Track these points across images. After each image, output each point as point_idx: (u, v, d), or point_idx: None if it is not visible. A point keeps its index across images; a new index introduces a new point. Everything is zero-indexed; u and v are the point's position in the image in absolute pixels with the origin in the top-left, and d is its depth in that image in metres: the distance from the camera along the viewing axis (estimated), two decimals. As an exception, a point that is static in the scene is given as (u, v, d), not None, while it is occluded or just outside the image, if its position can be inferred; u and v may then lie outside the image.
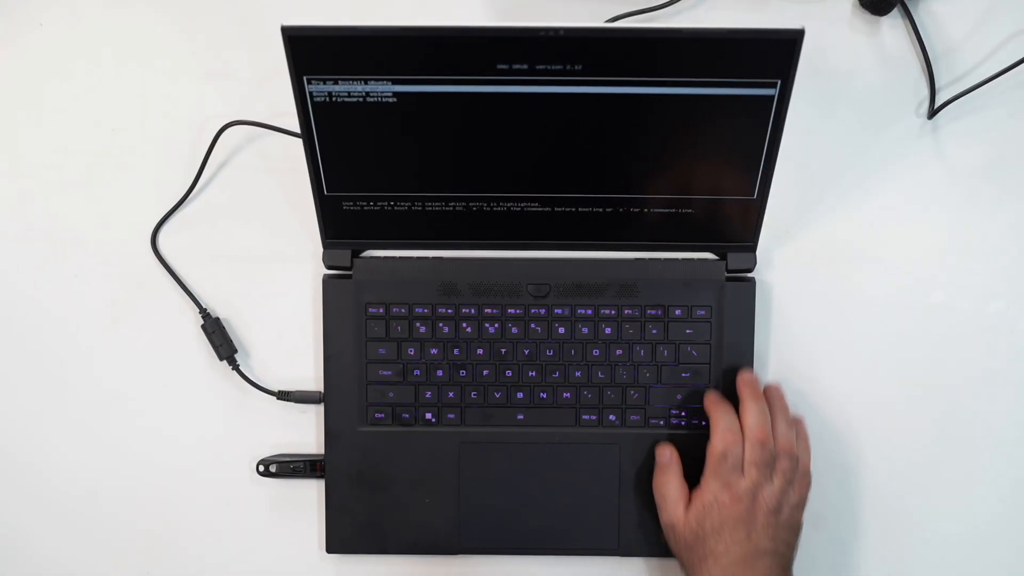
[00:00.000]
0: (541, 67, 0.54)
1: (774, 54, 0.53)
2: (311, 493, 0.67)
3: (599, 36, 0.53)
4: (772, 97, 0.55)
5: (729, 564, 0.56)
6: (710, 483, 0.59)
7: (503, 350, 0.65)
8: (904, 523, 0.67)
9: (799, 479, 0.60)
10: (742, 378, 0.62)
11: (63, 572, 0.68)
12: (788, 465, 0.59)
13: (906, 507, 0.67)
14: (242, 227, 0.67)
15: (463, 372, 0.65)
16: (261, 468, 0.66)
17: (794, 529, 0.59)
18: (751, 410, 0.60)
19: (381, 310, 0.65)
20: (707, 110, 0.56)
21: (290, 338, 0.67)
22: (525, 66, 0.54)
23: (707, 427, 0.64)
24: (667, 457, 0.62)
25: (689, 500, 0.60)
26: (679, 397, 0.65)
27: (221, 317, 0.67)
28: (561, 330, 0.65)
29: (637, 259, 0.65)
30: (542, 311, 0.65)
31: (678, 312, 0.65)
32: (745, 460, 0.58)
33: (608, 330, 0.65)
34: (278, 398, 0.66)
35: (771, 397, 0.62)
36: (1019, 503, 0.67)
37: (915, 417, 0.67)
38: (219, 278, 0.67)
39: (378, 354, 0.65)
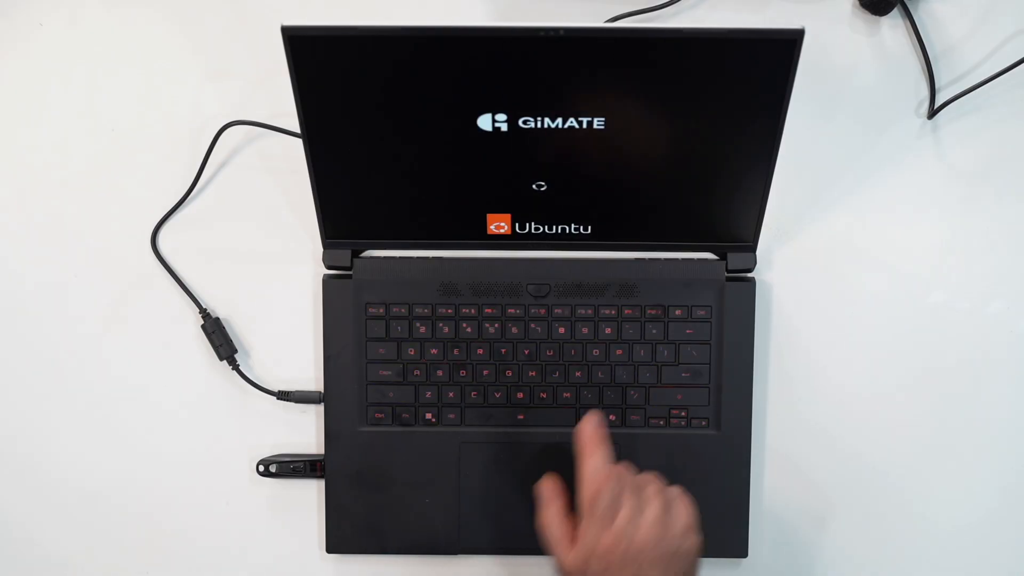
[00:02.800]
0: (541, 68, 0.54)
1: (774, 54, 0.53)
2: (311, 493, 0.67)
3: (599, 36, 0.53)
4: (772, 96, 0.55)
5: None
6: (588, 526, 0.55)
7: (503, 350, 0.65)
8: (904, 522, 0.67)
9: (676, 503, 0.56)
10: (583, 434, 0.58)
11: (63, 571, 0.68)
12: (657, 489, 0.55)
13: (906, 506, 0.67)
14: (242, 227, 0.67)
15: (463, 372, 0.65)
16: (261, 468, 0.66)
17: (688, 556, 0.55)
18: (604, 453, 0.57)
19: (381, 310, 0.65)
20: (707, 109, 0.56)
21: (290, 338, 0.67)
22: (525, 67, 0.54)
23: (707, 427, 0.65)
24: (547, 493, 0.58)
25: (573, 539, 0.56)
26: (679, 397, 0.65)
27: (221, 317, 0.67)
28: (561, 330, 0.65)
29: (637, 259, 0.65)
30: (542, 311, 0.65)
31: (678, 312, 0.65)
32: (615, 499, 0.55)
33: (608, 330, 0.65)
34: (278, 398, 0.66)
35: None
36: (1017, 500, 0.67)
37: (915, 416, 0.67)
38: (219, 278, 0.67)
39: (378, 354, 0.65)
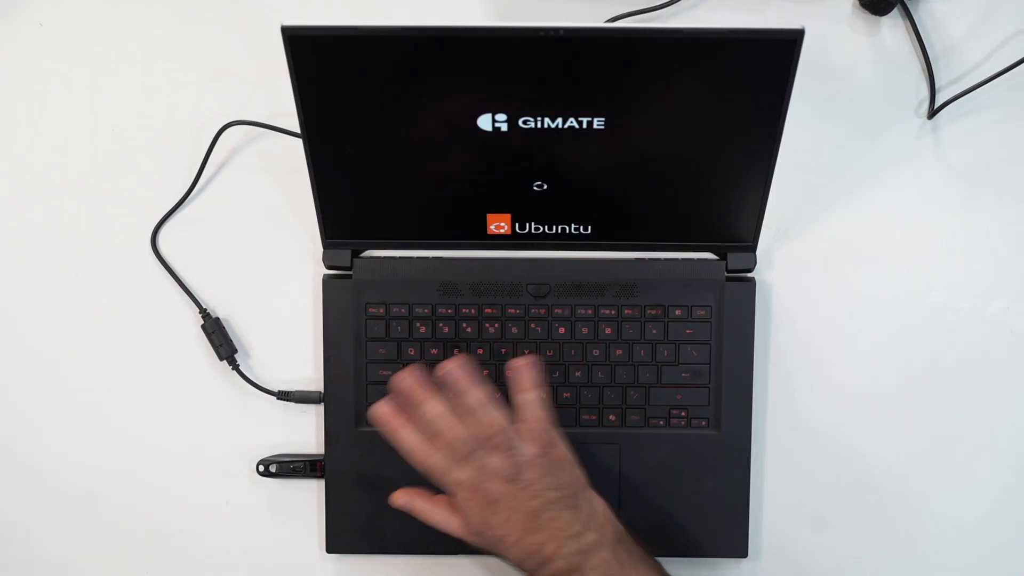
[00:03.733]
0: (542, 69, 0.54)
1: (774, 54, 0.53)
2: (311, 493, 0.67)
3: (599, 36, 0.53)
4: (772, 96, 0.55)
5: (516, 540, 0.54)
6: (451, 494, 0.56)
7: (503, 350, 0.65)
8: (904, 521, 0.67)
9: (520, 419, 0.56)
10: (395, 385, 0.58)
11: (63, 571, 0.68)
12: (486, 431, 0.55)
13: (906, 505, 0.67)
14: (242, 227, 0.67)
15: (463, 372, 0.65)
16: (261, 468, 0.66)
17: (552, 470, 0.55)
18: (421, 415, 0.57)
19: (381, 310, 0.65)
20: (707, 109, 0.56)
21: (290, 338, 0.67)
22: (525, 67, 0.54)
23: (707, 427, 0.65)
24: (402, 501, 0.59)
25: (454, 514, 0.57)
26: (679, 397, 0.65)
27: (221, 317, 0.67)
28: (561, 330, 0.65)
29: (637, 259, 0.65)
30: (542, 311, 0.65)
31: (678, 312, 0.65)
32: (453, 459, 0.55)
33: (608, 330, 0.65)
34: (278, 398, 0.66)
35: (443, 380, 0.57)
36: (1017, 500, 0.67)
37: (914, 416, 0.67)
38: (219, 278, 0.67)
39: (378, 354, 0.65)
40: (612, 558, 0.53)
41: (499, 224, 0.62)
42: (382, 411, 0.58)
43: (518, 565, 0.55)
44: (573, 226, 0.63)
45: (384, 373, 0.65)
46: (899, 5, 0.65)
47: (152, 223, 0.67)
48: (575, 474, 0.56)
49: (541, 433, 0.56)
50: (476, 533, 0.56)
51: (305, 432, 0.67)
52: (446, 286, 0.65)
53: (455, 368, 0.57)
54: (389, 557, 0.66)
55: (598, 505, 0.56)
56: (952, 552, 0.67)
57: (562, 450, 0.56)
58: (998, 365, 0.67)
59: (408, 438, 0.57)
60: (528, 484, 0.54)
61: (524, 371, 0.57)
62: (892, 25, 0.66)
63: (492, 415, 0.56)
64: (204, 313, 0.66)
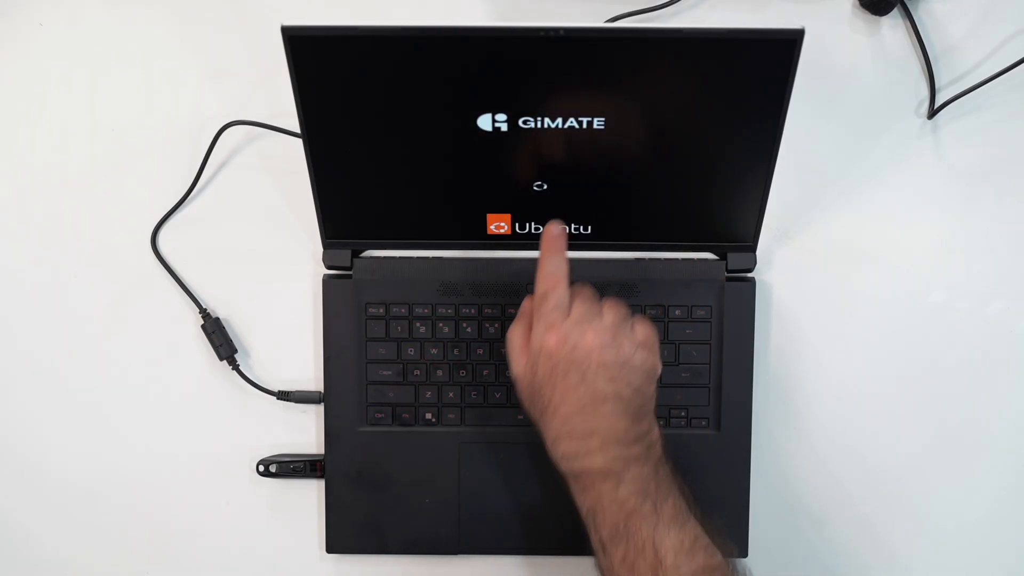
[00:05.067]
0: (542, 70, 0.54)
1: (774, 54, 0.53)
2: (311, 493, 0.67)
3: (599, 36, 0.53)
4: (772, 96, 0.55)
5: (568, 414, 0.52)
6: (537, 328, 0.53)
7: (503, 350, 0.65)
8: (904, 521, 0.67)
9: (635, 320, 0.54)
10: (549, 233, 0.56)
11: (63, 571, 0.68)
12: (615, 303, 0.54)
13: (906, 505, 0.67)
14: (242, 227, 0.67)
15: (463, 372, 0.65)
16: (261, 468, 0.66)
17: (640, 370, 0.53)
18: (564, 259, 0.55)
19: (381, 310, 0.65)
20: (707, 109, 0.56)
21: (290, 338, 0.67)
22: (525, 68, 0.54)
23: (707, 427, 0.65)
24: (523, 309, 0.56)
25: (525, 347, 0.54)
26: (679, 397, 0.65)
27: (221, 317, 0.67)
28: (561, 330, 0.65)
29: (637, 259, 0.65)
30: (542, 311, 0.65)
31: (678, 312, 0.65)
32: (571, 301, 0.53)
33: (608, 330, 0.65)
34: (278, 398, 0.66)
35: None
36: (1017, 500, 0.67)
37: (914, 416, 0.67)
38: (219, 278, 0.67)
39: (378, 354, 0.65)
40: (651, 476, 0.52)
41: (499, 224, 0.62)
42: (562, 227, 0.56)
43: (552, 442, 0.53)
44: (573, 226, 0.62)
45: (384, 373, 0.65)
46: (899, 5, 0.65)
47: (152, 223, 0.67)
48: (652, 391, 0.54)
49: (653, 340, 0.54)
50: (532, 385, 0.53)
51: (305, 432, 0.67)
52: (446, 286, 0.65)
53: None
54: (389, 557, 0.66)
55: (656, 428, 0.54)
56: (952, 552, 0.67)
57: (659, 365, 0.54)
58: (998, 365, 0.67)
59: (550, 260, 0.55)
60: (611, 365, 0.51)
61: None
62: (892, 25, 0.66)
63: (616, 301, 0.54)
64: (204, 313, 0.66)
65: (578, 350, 0.52)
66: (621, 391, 0.52)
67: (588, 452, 0.52)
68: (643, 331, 0.54)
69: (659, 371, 0.55)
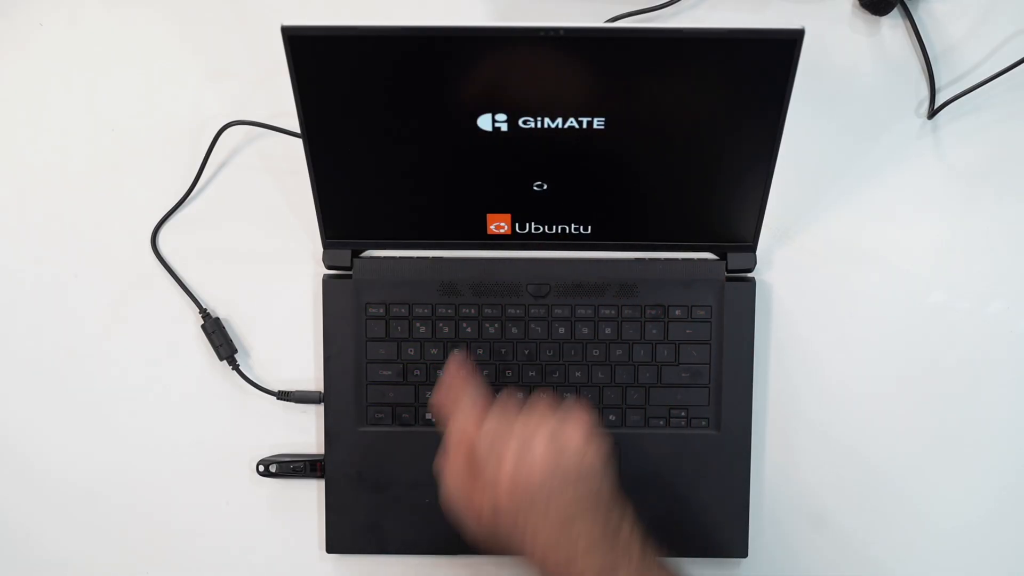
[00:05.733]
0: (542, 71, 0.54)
1: (774, 54, 0.53)
2: (311, 493, 0.67)
3: (599, 36, 0.53)
4: (772, 96, 0.55)
5: (547, 540, 0.50)
6: (480, 485, 0.52)
7: (503, 350, 0.65)
8: (904, 521, 0.67)
9: (562, 425, 0.51)
10: (438, 397, 0.55)
11: (63, 571, 0.68)
12: (536, 419, 0.52)
13: (906, 505, 0.67)
14: (242, 227, 0.67)
15: (463, 372, 0.65)
16: (261, 468, 0.66)
17: (590, 472, 0.51)
18: (465, 405, 0.54)
19: (381, 310, 0.65)
20: (707, 109, 0.56)
21: (290, 338, 0.67)
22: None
23: (707, 427, 0.65)
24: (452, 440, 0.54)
25: (473, 503, 0.53)
26: (679, 397, 0.65)
27: (221, 317, 0.67)
28: (561, 330, 0.65)
29: (637, 259, 0.65)
30: (542, 311, 0.65)
31: (678, 312, 0.65)
32: (492, 447, 0.51)
33: (608, 330, 0.65)
34: (278, 398, 0.66)
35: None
36: (1017, 500, 0.67)
37: (914, 416, 0.67)
38: (219, 278, 0.67)
39: (378, 354, 0.65)
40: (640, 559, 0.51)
41: (499, 224, 0.62)
42: (454, 364, 0.55)
43: (540, 563, 0.51)
44: (573, 226, 0.63)
45: (384, 373, 0.65)
46: (899, 5, 0.65)
47: (152, 223, 0.67)
48: (608, 473, 0.52)
49: (579, 432, 0.52)
50: (489, 527, 0.52)
51: (305, 432, 0.67)
52: (446, 286, 0.65)
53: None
54: (389, 557, 0.66)
55: (625, 506, 0.52)
56: (952, 552, 0.67)
57: (604, 445, 0.52)
58: (998, 365, 0.67)
59: (463, 407, 0.53)
60: (560, 486, 0.50)
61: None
62: (892, 25, 0.66)
63: (532, 409, 0.53)
64: (204, 313, 0.66)
65: (531, 486, 0.50)
66: (584, 501, 0.50)
67: (579, 553, 0.50)
68: (574, 432, 0.52)
69: (606, 448, 0.53)
